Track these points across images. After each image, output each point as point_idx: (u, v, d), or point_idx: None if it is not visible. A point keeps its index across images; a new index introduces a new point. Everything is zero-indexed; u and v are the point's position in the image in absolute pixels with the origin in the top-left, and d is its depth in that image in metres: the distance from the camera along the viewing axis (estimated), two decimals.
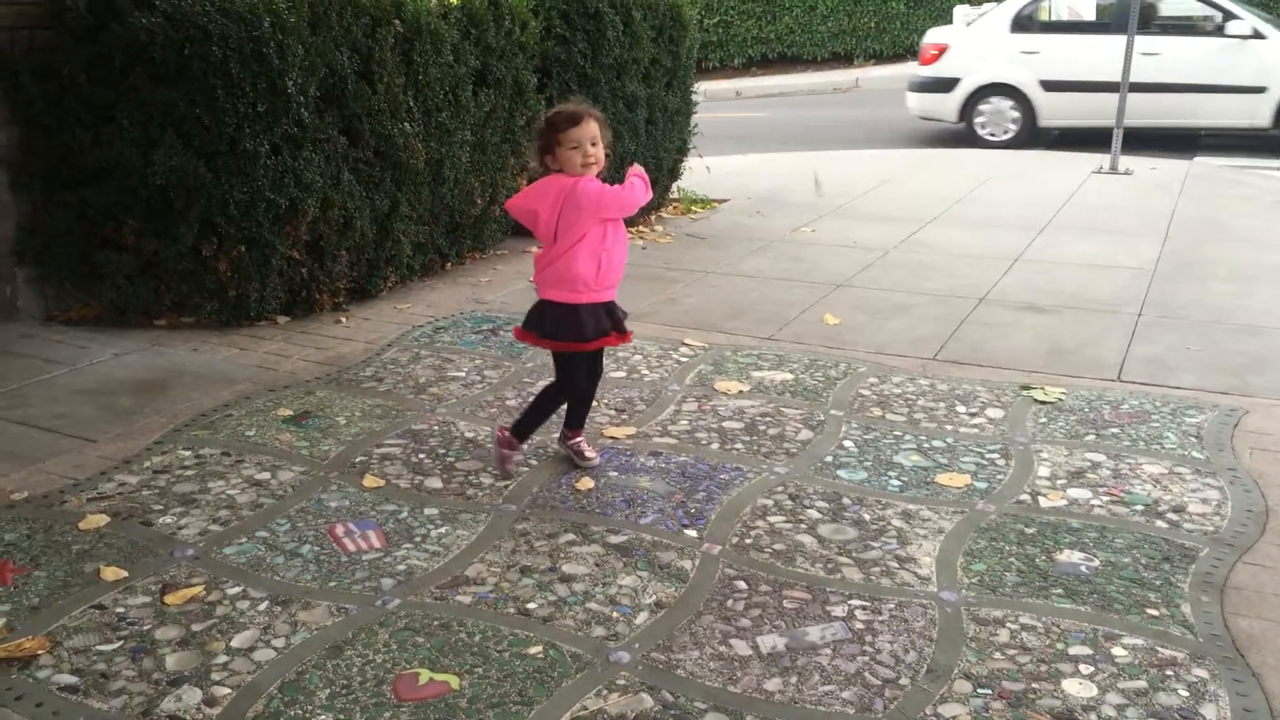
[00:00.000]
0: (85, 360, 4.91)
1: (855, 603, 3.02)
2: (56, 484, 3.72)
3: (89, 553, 3.27)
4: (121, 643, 2.83)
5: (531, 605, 3.00)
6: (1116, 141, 9.67)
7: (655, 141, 7.83)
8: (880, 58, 20.82)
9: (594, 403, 4.41)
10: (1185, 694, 2.63)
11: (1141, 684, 2.67)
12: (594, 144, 3.51)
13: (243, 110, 5.01)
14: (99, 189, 5.15)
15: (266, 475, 3.78)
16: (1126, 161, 9.71)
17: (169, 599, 3.02)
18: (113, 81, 5.03)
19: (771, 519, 3.49)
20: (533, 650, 2.80)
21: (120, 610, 2.97)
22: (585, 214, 3.50)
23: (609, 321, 3.66)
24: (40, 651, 2.78)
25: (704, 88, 9.80)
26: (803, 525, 3.45)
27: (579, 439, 3.90)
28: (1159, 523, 3.46)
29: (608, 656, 2.78)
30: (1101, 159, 9.87)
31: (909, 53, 20.78)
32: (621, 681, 2.68)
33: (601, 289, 3.61)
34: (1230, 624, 2.91)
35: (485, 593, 3.06)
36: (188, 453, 3.96)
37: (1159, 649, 2.81)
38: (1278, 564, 3.20)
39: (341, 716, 2.55)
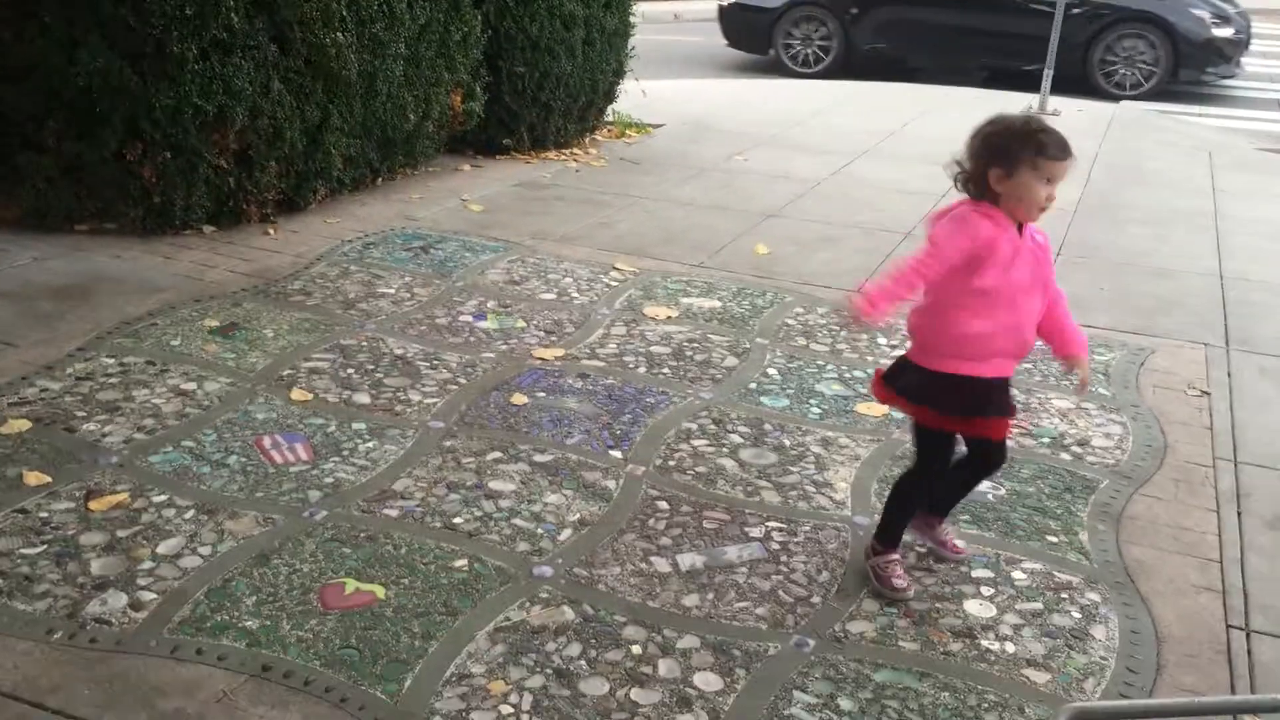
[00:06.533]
0: (5, 263, 4.80)
1: (772, 524, 3.13)
2: None
3: (11, 457, 3.25)
4: (45, 546, 2.84)
5: (458, 520, 3.06)
6: (1046, 82, 9.80)
7: (592, 63, 7.76)
8: None
9: (524, 324, 4.45)
10: (1078, 616, 2.79)
11: (1038, 605, 2.82)
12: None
13: (170, 12, 4.87)
14: (20, 88, 5.00)
15: (192, 385, 3.77)
16: (1055, 102, 9.84)
17: (93, 505, 3.03)
18: None
19: (695, 442, 3.58)
20: (458, 564, 2.86)
21: (44, 515, 2.98)
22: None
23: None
24: None
25: (642, 9, 9.71)
26: (724, 449, 3.54)
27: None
28: (1063, 455, 3.61)
29: (531, 571, 2.85)
30: (1031, 99, 10.00)
31: None
32: (544, 595, 2.76)
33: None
34: (1124, 552, 3.08)
35: (412, 507, 3.12)
36: (111, 360, 3.93)
37: (1056, 573, 2.96)
38: (1172, 496, 3.37)
39: (268, 623, 2.60)
